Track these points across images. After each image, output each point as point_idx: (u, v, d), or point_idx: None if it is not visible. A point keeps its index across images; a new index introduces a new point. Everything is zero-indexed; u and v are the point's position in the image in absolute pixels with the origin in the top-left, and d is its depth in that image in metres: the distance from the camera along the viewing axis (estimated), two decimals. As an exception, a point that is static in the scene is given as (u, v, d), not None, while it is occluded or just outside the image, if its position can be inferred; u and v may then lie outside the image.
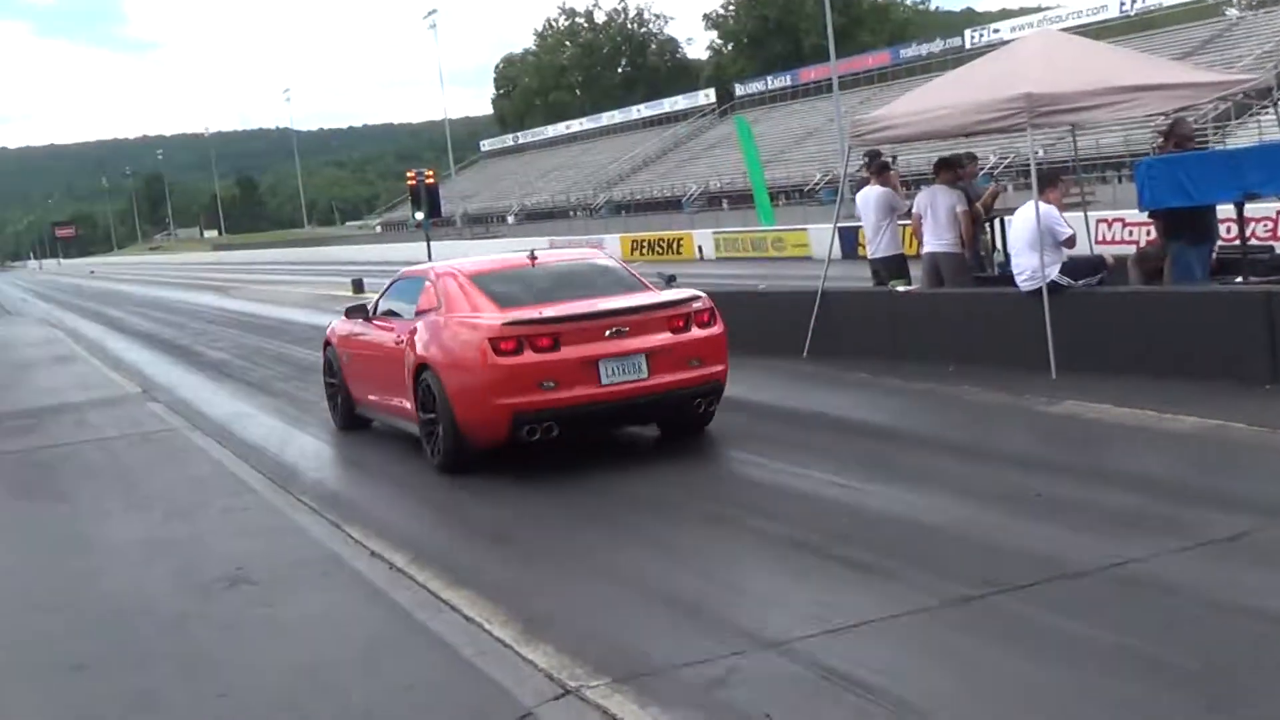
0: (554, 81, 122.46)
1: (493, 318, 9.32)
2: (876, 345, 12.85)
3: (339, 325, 12.02)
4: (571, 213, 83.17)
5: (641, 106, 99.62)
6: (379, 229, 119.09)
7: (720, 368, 9.73)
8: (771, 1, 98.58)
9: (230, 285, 47.07)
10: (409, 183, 31.99)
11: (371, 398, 11.09)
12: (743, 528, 7.32)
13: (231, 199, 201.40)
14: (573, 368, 9.00)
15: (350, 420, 11.84)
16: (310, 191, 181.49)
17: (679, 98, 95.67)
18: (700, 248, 39.30)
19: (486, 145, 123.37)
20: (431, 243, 33.31)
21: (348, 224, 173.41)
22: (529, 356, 9.01)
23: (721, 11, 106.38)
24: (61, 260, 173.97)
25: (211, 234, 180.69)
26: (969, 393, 10.67)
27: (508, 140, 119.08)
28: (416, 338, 9.83)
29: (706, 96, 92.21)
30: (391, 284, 11.20)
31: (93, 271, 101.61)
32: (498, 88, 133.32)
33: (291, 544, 7.84)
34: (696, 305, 9.64)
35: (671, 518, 7.71)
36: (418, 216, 31.71)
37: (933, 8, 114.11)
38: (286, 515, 8.66)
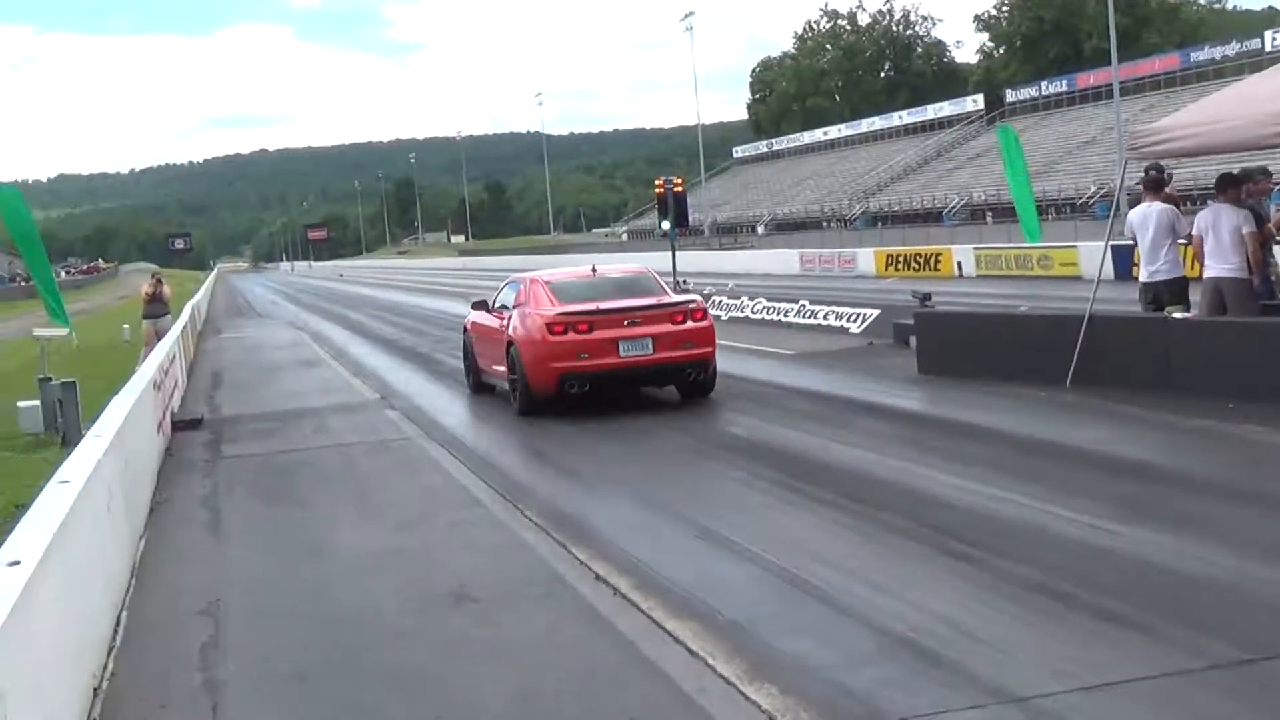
0: (813, 86, 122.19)
1: (550, 310, 14.26)
2: (1148, 377, 12.38)
3: (471, 315, 16.86)
4: (825, 224, 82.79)
5: (904, 113, 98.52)
6: (625, 237, 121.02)
7: (707, 349, 14.36)
8: (1048, 1, 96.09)
9: (474, 292, 48.48)
10: (656, 190, 32.34)
11: (493, 367, 15.61)
12: (984, 566, 7.16)
13: (479, 203, 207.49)
14: (600, 344, 13.97)
15: (478, 386, 16.55)
16: (558, 197, 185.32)
17: (945, 104, 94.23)
18: (959, 264, 38.56)
19: (739, 152, 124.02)
20: (677, 253, 33.56)
21: (594, 231, 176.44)
22: (571, 336, 14.00)
23: (994, 12, 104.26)
24: (313, 262, 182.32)
25: (458, 239, 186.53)
26: (1251, 432, 10.19)
27: (761, 147, 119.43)
28: (510, 323, 14.79)
29: (975, 102, 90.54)
30: (504, 285, 16.14)
31: (341, 275, 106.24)
32: (753, 92, 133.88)
33: (517, 562, 8.02)
34: (691, 306, 14.44)
35: (908, 555, 7.57)
36: (664, 225, 32.01)
37: (1229, 7, 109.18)
38: (513, 532, 8.86)
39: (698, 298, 14.99)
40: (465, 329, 17.26)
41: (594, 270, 15.70)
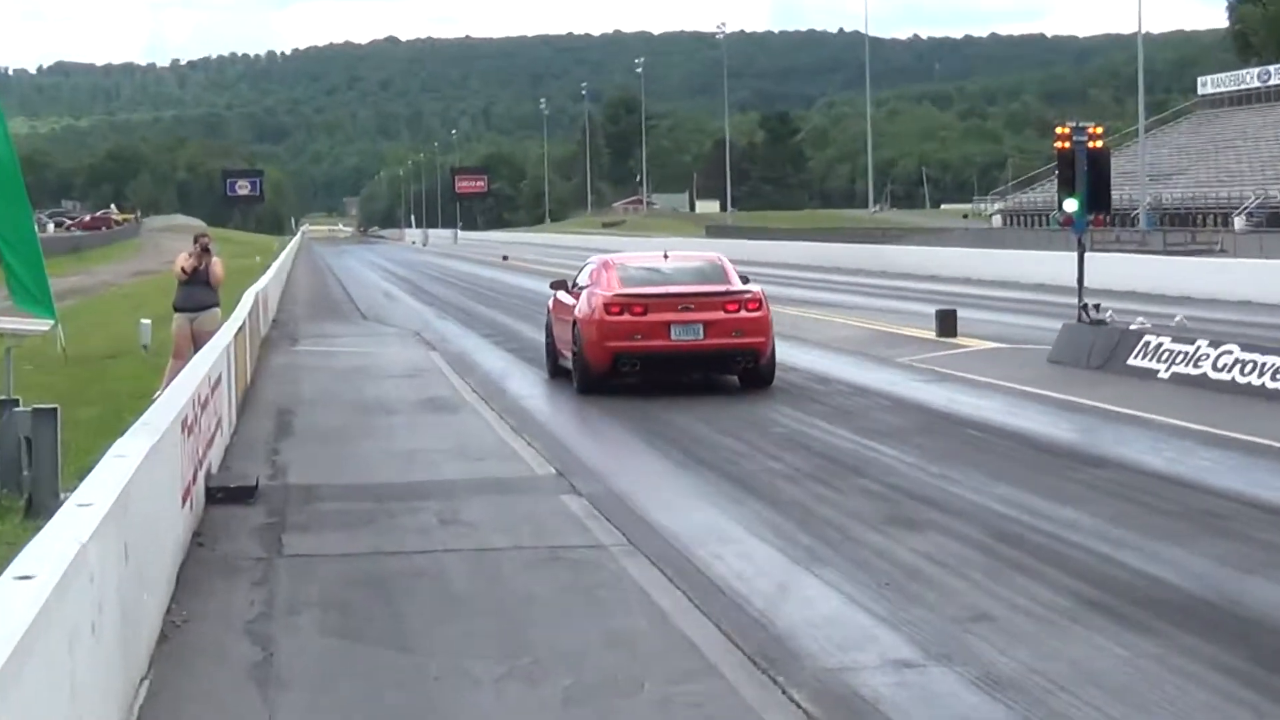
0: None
1: (611, 291, 23.89)
2: None
3: (553, 295, 27.11)
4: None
5: None
6: (995, 220, 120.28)
7: (759, 339, 23.93)
8: None
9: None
10: (1057, 145, 31.96)
11: (565, 350, 25.28)
12: None
13: (748, 148, 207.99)
14: (653, 327, 23.34)
15: (555, 370, 26.59)
16: (886, 145, 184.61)
17: None
18: None
19: (1208, 86, 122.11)
20: (1087, 255, 33.07)
21: (942, 206, 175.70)
22: (626, 317, 23.38)
23: None
24: (461, 231, 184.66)
25: (709, 205, 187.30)
26: None
27: (1249, 79, 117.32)
28: (578, 302, 24.47)
29: None
30: (585, 265, 26.60)
31: (506, 257, 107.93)
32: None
33: (768, 779, 7.99)
34: (746, 296, 24.06)
35: None
36: (1065, 207, 31.55)
37: None
38: (766, 723, 8.84)
39: (755, 288, 24.93)
40: (548, 309, 27.84)
41: (665, 255, 27.31)
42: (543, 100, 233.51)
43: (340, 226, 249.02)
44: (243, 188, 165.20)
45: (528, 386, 27.08)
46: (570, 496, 16.04)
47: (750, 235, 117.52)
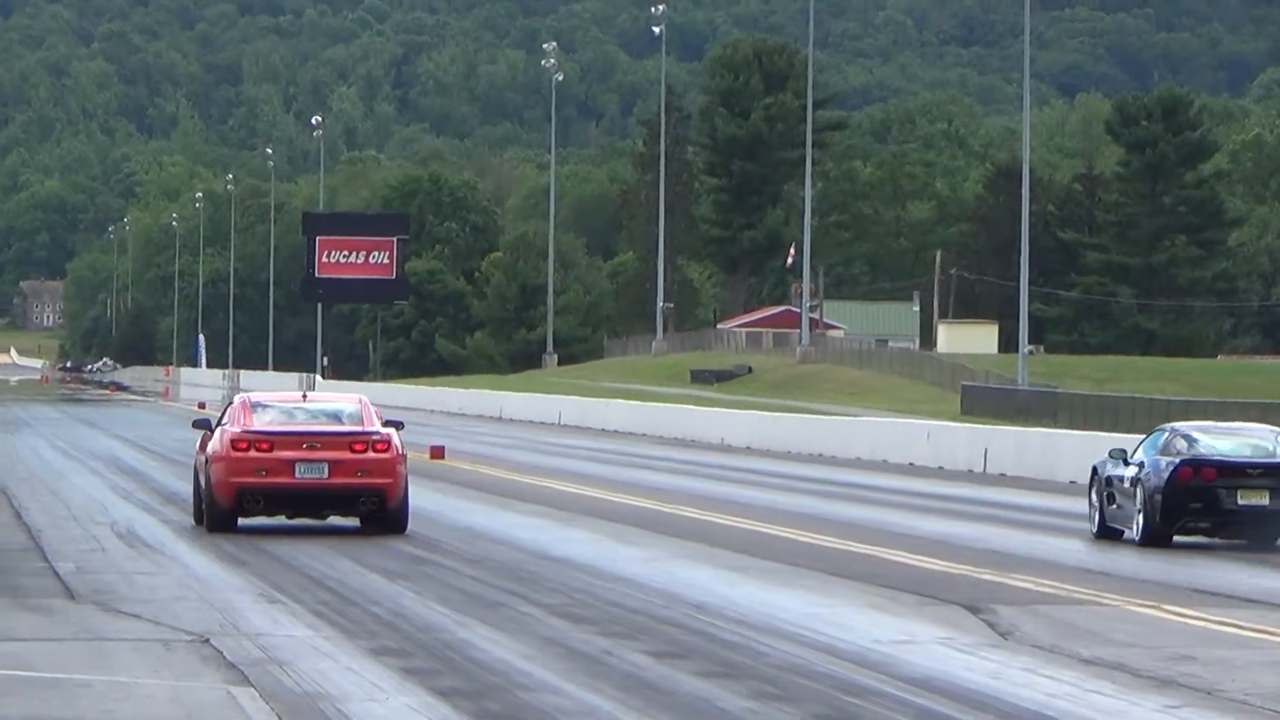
0: None
1: (238, 428, 74.31)
2: None
3: (203, 435, 73.37)
4: None
5: None
6: None
7: (385, 480, 68.57)
8: None
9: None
10: None
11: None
12: None
13: (1080, 189, 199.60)
14: (278, 464, 72.22)
15: (201, 515, 73.37)
16: None
17: None
18: None
19: None
20: None
21: None
22: (252, 454, 72.50)
23: None
24: (328, 373, 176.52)
25: (975, 335, 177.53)
26: None
27: None
28: (212, 440, 75.59)
29: None
30: (228, 405, 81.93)
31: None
32: None
33: None
34: (374, 437, 71.04)
35: None
36: None
37: None
38: None
39: (382, 431, 59.69)
40: (196, 452, 64.25)
41: (304, 396, 77.03)
42: (550, 49, 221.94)
43: (13, 356, 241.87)
44: None
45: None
46: None
47: (1083, 416, 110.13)
